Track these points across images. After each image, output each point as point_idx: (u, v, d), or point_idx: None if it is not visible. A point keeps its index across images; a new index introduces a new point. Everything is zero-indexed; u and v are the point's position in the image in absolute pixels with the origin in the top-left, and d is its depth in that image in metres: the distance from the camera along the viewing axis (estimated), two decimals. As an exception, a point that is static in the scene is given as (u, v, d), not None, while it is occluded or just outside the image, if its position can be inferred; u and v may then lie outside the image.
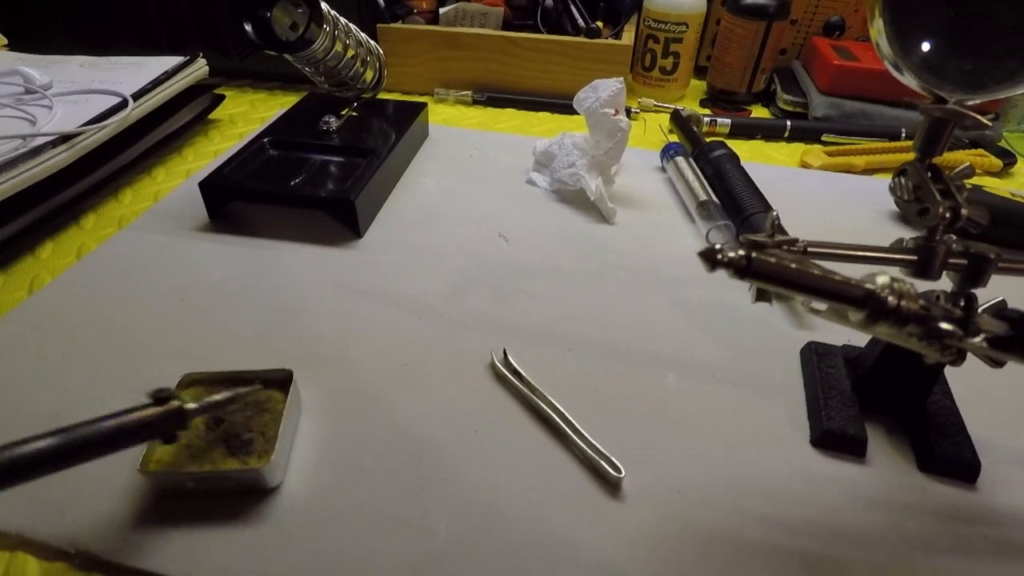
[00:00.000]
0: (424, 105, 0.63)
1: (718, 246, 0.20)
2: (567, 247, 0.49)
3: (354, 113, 0.60)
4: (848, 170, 0.62)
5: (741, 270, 0.21)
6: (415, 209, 0.53)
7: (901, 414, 0.35)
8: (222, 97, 0.68)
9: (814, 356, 0.38)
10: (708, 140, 0.59)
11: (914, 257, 0.28)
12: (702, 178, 0.55)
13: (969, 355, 0.26)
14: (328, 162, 0.54)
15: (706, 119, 0.68)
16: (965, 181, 0.28)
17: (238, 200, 0.50)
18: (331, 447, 0.32)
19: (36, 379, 0.36)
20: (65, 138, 0.49)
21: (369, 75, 0.59)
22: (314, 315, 0.41)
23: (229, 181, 0.49)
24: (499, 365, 0.37)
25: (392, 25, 0.72)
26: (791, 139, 0.68)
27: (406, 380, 0.36)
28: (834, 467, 0.33)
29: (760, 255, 0.21)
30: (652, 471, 0.32)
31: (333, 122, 0.57)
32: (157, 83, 0.58)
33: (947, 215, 0.27)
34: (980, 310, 0.29)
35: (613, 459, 0.31)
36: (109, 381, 0.36)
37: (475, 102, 0.74)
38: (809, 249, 0.27)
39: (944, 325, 0.23)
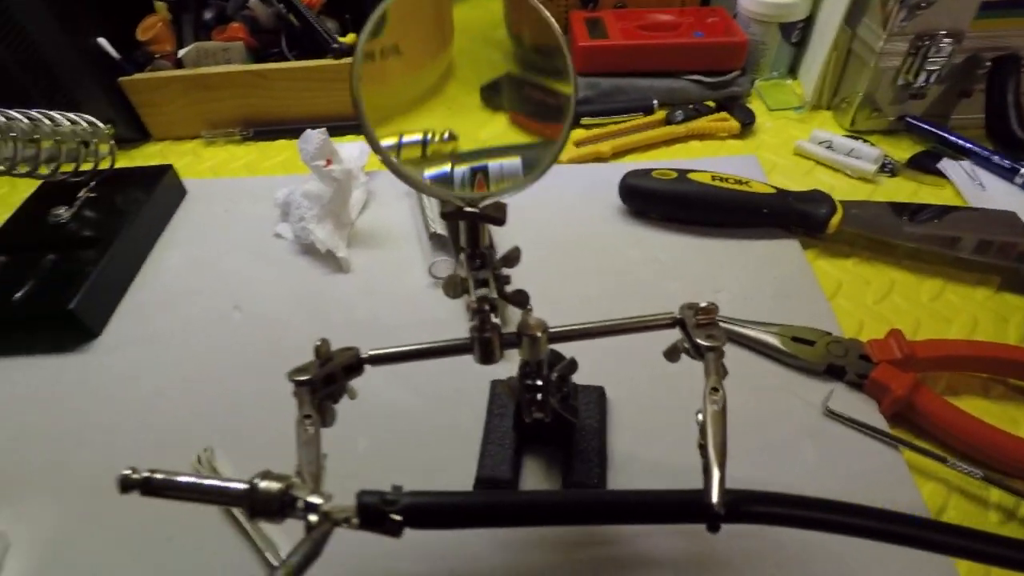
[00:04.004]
0: (168, 168, 0.61)
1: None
2: (299, 309, 0.50)
3: (92, 195, 0.58)
4: (598, 158, 0.65)
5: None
6: (159, 290, 0.53)
7: (556, 443, 0.38)
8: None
9: (491, 395, 0.41)
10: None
11: (472, 350, 0.30)
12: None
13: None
14: (60, 260, 0.52)
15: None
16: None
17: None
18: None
19: None
20: None
21: (103, 148, 0.58)
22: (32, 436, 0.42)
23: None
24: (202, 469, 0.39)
25: (135, 77, 0.69)
26: (553, 128, 0.70)
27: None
28: (493, 509, 0.36)
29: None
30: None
31: (64, 213, 0.55)
32: None
33: (484, 306, 0.29)
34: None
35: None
36: None
37: (244, 139, 0.72)
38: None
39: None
